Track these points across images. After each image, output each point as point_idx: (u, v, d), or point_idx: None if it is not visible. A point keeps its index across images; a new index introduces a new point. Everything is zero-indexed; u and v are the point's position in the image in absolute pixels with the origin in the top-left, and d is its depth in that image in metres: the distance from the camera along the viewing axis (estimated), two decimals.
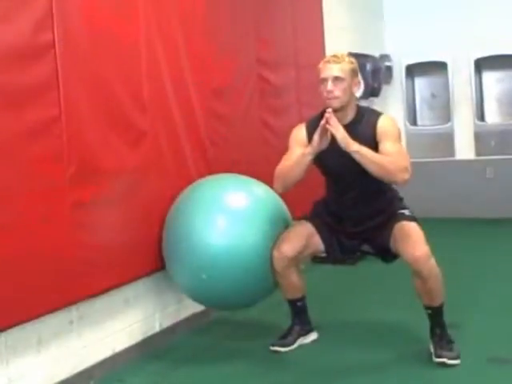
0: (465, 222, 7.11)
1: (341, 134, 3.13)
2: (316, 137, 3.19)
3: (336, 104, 3.27)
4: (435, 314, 3.31)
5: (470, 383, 3.06)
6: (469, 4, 7.18)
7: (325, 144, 3.19)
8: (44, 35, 2.90)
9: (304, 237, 3.44)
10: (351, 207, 3.43)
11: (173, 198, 3.65)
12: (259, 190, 3.68)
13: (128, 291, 3.49)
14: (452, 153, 7.49)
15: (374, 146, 3.24)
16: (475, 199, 7.27)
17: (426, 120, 7.80)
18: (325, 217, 3.51)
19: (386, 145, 3.23)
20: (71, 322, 3.15)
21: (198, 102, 3.99)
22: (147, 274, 3.60)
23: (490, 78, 7.42)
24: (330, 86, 3.25)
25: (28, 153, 2.80)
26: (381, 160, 3.16)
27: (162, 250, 3.59)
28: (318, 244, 3.48)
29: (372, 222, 3.41)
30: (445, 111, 7.55)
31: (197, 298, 3.68)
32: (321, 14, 5.78)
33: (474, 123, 7.33)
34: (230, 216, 3.47)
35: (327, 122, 3.15)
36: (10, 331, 2.77)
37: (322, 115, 3.38)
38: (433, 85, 7.71)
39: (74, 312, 3.15)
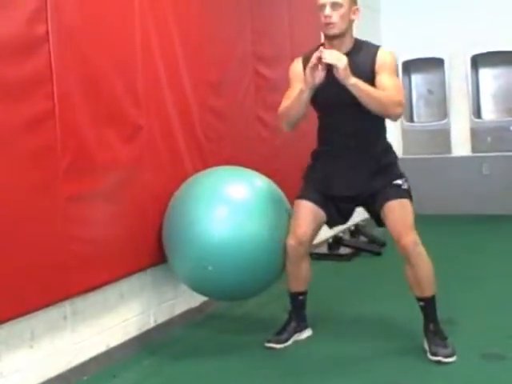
0: (461, 218, 7.12)
1: (343, 65, 3.06)
2: (308, 71, 3.15)
3: (334, 31, 3.24)
4: (427, 307, 3.30)
5: (464, 379, 3.05)
6: (466, 1, 7.18)
7: (319, 79, 3.14)
8: (38, 28, 2.88)
9: (311, 218, 3.42)
10: (345, 151, 3.37)
11: (168, 193, 3.63)
12: (258, 180, 3.68)
13: (123, 286, 3.48)
14: (448, 149, 7.50)
15: (371, 76, 3.22)
16: (471, 196, 7.28)
17: (423, 116, 7.81)
18: (318, 184, 3.46)
19: (383, 77, 3.22)
20: (65, 317, 3.13)
21: (193, 97, 3.97)
22: (142, 269, 3.58)
23: (487, 74, 7.43)
24: (328, 11, 3.21)
25: (21, 146, 2.77)
26: (376, 94, 3.14)
27: (163, 243, 3.58)
28: (322, 218, 3.47)
29: (366, 171, 3.35)
30: (441, 108, 7.56)
31: (201, 290, 3.66)
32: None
33: (471, 120, 7.34)
34: (232, 207, 3.46)
35: (319, 60, 3.10)
36: (2, 326, 2.75)
37: (317, 47, 3.35)
38: (429, 81, 7.71)
39: (67, 307, 3.13)
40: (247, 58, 4.66)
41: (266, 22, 4.94)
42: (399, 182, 3.37)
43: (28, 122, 2.81)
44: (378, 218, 3.45)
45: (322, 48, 3.16)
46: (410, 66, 7.61)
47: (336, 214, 3.50)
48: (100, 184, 3.21)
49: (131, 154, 3.44)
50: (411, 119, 7.75)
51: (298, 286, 3.56)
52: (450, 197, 7.35)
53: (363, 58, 3.28)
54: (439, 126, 7.53)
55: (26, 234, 2.80)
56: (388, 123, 3.46)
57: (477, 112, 7.40)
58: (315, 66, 3.14)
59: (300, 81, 3.31)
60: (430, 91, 7.71)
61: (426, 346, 3.28)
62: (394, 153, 3.49)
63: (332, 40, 3.28)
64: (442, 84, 7.51)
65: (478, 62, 7.32)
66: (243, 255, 3.35)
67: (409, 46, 7.29)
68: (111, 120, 3.30)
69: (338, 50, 3.23)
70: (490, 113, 7.48)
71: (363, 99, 3.13)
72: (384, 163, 3.39)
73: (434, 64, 7.48)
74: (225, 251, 3.33)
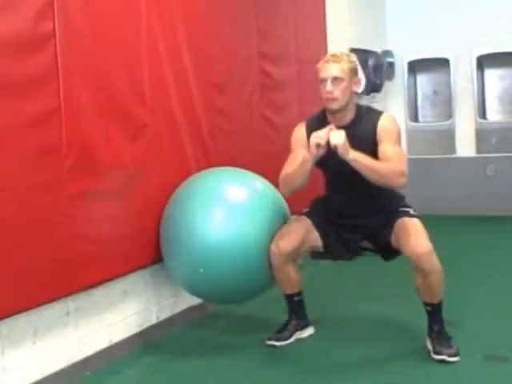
0: (465, 219, 7.10)
1: (341, 142, 3.09)
2: (312, 144, 3.16)
3: (335, 105, 3.26)
4: (434, 311, 3.30)
5: (466, 380, 3.05)
6: (472, 1, 7.16)
7: (322, 150, 3.16)
8: (44, 25, 2.89)
9: (302, 232, 3.43)
10: (352, 205, 3.43)
11: (172, 191, 3.64)
12: (258, 183, 3.68)
13: (125, 283, 3.49)
14: (453, 150, 7.49)
15: (374, 145, 3.24)
16: (475, 197, 7.27)
17: (428, 117, 7.79)
18: (323, 212, 3.50)
19: (385, 147, 3.23)
20: (67, 313, 3.14)
21: (198, 95, 3.98)
22: (145, 267, 3.60)
23: (492, 75, 7.41)
24: (329, 86, 3.23)
25: (27, 143, 2.79)
26: (377, 167, 3.16)
27: (160, 243, 3.59)
28: (315, 240, 3.47)
29: (373, 218, 3.40)
30: (446, 108, 7.55)
31: (194, 292, 3.67)
32: (323, 8, 5.76)
33: (476, 120, 7.33)
34: (228, 209, 3.46)
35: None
36: (5, 321, 2.77)
37: (321, 115, 3.39)
38: (435, 81, 7.70)
39: (70, 303, 3.14)
40: (252, 57, 4.66)
41: (272, 21, 4.94)
42: (406, 209, 3.40)
43: (34, 119, 2.83)
44: (384, 250, 3.45)
45: (319, 132, 3.16)
46: (416, 66, 7.60)
47: (338, 243, 3.48)
48: (104, 182, 3.22)
49: (136, 153, 3.45)
50: (416, 119, 7.74)
51: (290, 289, 3.56)
52: (454, 197, 7.34)
53: (365, 127, 3.29)
54: (444, 127, 7.51)
55: (30, 230, 2.82)
56: None
57: (482, 113, 7.39)
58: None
59: (303, 146, 3.31)
60: (435, 91, 7.69)
61: (430, 346, 3.29)
62: (400, 196, 3.50)
63: (334, 113, 3.28)
64: (448, 84, 7.49)
65: (483, 62, 7.30)
66: (238, 258, 3.34)
67: (414, 46, 7.28)
68: (116, 118, 3.31)
69: (340, 121, 3.27)
70: (495, 114, 7.47)
71: (364, 172, 3.14)
72: (391, 207, 3.43)
73: (440, 64, 7.47)
74: (219, 254, 3.33)
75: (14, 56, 2.74)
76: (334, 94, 3.23)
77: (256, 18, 4.69)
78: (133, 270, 3.49)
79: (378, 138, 3.26)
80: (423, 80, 7.74)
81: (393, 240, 3.34)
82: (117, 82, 3.33)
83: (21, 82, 2.77)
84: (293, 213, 3.75)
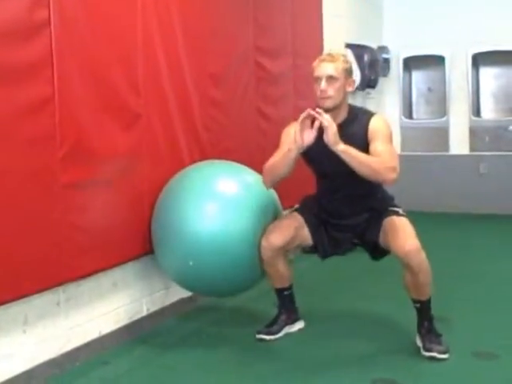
0: (457, 217, 7.13)
1: (332, 131, 3.09)
2: (296, 129, 3.15)
3: (329, 104, 3.25)
4: (423, 308, 3.32)
5: (455, 377, 3.06)
6: None
7: (309, 140, 3.16)
8: (40, 13, 2.87)
9: (293, 228, 3.43)
10: (342, 205, 3.42)
11: (165, 183, 3.64)
12: (250, 177, 3.67)
13: (116, 274, 3.49)
14: (446, 147, 7.50)
15: (366, 145, 3.24)
16: (468, 194, 7.30)
17: (422, 114, 7.80)
18: (315, 209, 3.51)
19: (375, 144, 3.22)
20: (58, 303, 3.14)
21: (193, 87, 3.97)
22: (136, 258, 3.59)
23: (487, 73, 7.43)
24: (323, 85, 3.23)
25: (20, 132, 2.77)
26: (367, 160, 3.15)
27: (151, 235, 3.58)
28: (306, 236, 3.48)
29: (363, 217, 3.41)
30: (441, 105, 7.56)
31: (183, 284, 3.67)
32: (320, 3, 5.75)
33: (470, 118, 7.34)
34: (219, 203, 3.45)
35: (314, 118, 3.12)
36: None
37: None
38: (430, 79, 7.71)
39: (61, 293, 3.14)
40: (249, 50, 4.65)
41: (269, 15, 4.93)
42: (396, 208, 3.41)
43: (27, 108, 2.81)
44: (373, 250, 3.47)
45: (318, 108, 3.16)
46: (411, 63, 7.61)
47: (327, 242, 3.49)
48: (97, 172, 3.21)
49: (129, 143, 3.44)
50: (410, 116, 7.75)
51: (279, 283, 3.57)
52: (447, 195, 7.35)
53: (357, 127, 3.30)
54: (438, 124, 7.53)
55: (22, 219, 2.81)
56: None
57: (476, 111, 7.41)
58: (304, 126, 3.14)
59: (290, 143, 3.30)
60: (429, 89, 7.70)
61: (420, 343, 3.30)
62: (389, 197, 3.51)
63: (327, 112, 3.24)
64: (442, 82, 7.50)
65: (478, 60, 7.32)
66: (229, 252, 3.34)
67: (410, 43, 7.29)
68: (110, 108, 3.30)
69: (333, 120, 3.19)
70: (489, 112, 7.49)
71: (354, 165, 3.12)
72: (381, 208, 3.43)
73: (435, 61, 7.48)
74: (209, 247, 3.32)
75: (8, 43, 2.72)
76: (328, 92, 3.24)
77: (253, 12, 4.68)
78: (124, 261, 3.49)
79: (369, 137, 3.26)
80: (418, 77, 7.75)
81: (381, 239, 3.35)
82: (111, 72, 3.32)
83: (15, 69, 2.76)
84: (284, 208, 3.75)
